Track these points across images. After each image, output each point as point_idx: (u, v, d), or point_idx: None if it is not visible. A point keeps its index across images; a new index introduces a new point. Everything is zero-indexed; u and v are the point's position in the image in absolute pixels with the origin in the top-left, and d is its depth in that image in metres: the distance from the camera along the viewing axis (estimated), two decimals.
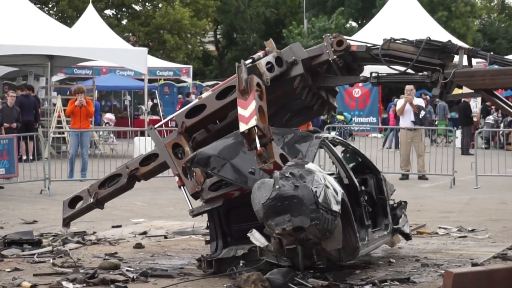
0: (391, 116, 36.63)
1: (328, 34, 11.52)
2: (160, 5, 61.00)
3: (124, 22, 62.01)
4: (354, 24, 62.35)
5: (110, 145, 30.97)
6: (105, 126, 35.70)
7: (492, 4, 76.27)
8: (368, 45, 11.49)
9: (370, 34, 38.70)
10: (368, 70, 11.88)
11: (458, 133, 33.33)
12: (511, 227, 15.06)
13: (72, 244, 12.86)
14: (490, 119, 36.40)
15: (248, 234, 9.87)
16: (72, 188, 20.72)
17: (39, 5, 49.89)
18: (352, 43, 11.47)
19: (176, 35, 55.67)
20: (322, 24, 56.39)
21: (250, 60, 10.84)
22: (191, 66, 48.43)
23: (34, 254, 11.94)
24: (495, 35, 65.32)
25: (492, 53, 11.14)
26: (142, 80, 33.47)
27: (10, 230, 13.93)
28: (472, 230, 14.51)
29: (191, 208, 10.89)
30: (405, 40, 11.39)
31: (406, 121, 24.37)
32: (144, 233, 14.07)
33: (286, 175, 9.47)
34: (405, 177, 23.36)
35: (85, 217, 15.79)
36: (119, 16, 62.70)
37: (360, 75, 11.87)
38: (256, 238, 9.77)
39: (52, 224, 15.08)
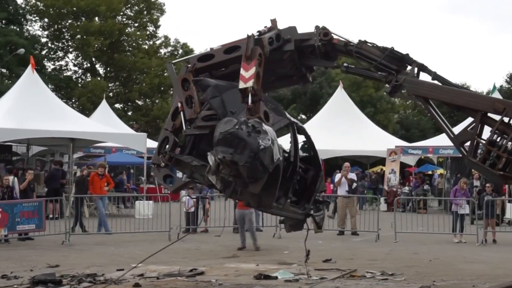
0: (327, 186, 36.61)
1: (319, 25, 11.49)
2: (157, 101, 61.32)
3: (129, 113, 62.07)
4: (304, 116, 62.96)
5: (117, 206, 30.79)
6: (114, 192, 35.49)
7: (407, 102, 77.32)
8: (346, 41, 11.50)
9: (316, 124, 39.03)
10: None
11: (382, 199, 33.40)
12: (421, 272, 15.06)
13: (85, 283, 12.71)
14: (406, 189, 36.56)
15: (208, 153, 9.85)
16: (88, 240, 20.58)
17: (65, 100, 49.94)
18: (335, 36, 11.46)
19: None
20: None
21: (257, 33, 10.91)
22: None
23: None
24: (410, 126, 66.02)
25: (436, 71, 11.11)
26: (143, 157, 33.48)
27: (38, 272, 13.76)
28: (392, 274, 14.46)
29: (184, 129, 10.88)
30: (375, 45, 11.38)
31: (342, 190, 24.43)
32: (141, 275, 13.91)
33: (248, 124, 9.47)
34: (341, 233, 23.29)
35: (96, 262, 15.79)
36: (125, 109, 62.80)
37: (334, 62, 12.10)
38: (211, 159, 9.72)
39: (70, 267, 14.87)
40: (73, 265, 15.29)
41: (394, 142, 39.87)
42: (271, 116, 10.31)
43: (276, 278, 13.74)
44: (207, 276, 13.95)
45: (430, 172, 46.40)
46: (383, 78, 11.31)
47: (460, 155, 11.02)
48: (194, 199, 23.10)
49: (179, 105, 10.95)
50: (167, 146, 11.02)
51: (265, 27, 11.37)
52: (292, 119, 11.65)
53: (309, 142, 12.35)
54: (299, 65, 11.80)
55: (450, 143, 34.79)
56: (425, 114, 71.83)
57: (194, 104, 10.78)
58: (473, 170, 32.09)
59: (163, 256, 17.06)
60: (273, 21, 11.47)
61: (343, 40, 11.51)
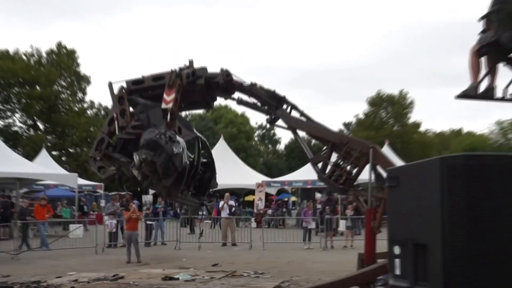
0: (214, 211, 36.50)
1: (223, 68, 11.28)
2: (85, 149, 59.64)
3: (63, 158, 59.91)
4: None
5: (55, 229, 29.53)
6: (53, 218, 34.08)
7: (269, 149, 78.59)
8: (242, 82, 11.34)
9: None
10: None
11: (252, 219, 33.61)
12: (282, 270, 15.25)
13: None
14: (269, 211, 36.81)
15: (134, 153, 9.73)
16: (32, 255, 19.65)
17: (13, 149, 47.63)
18: (234, 77, 11.27)
19: None
20: None
21: (179, 69, 10.77)
22: (102, 183, 47.04)
23: None
24: (271, 166, 66.60)
25: (303, 111, 11.21)
26: (74, 191, 32.46)
27: None
28: (262, 273, 14.59)
29: (117, 134, 10.54)
30: (262, 87, 11.27)
31: (225, 213, 24.52)
32: (76, 280, 13.46)
33: (167, 135, 9.45)
34: (224, 244, 23.20)
35: (39, 272, 15.10)
36: (60, 155, 60.62)
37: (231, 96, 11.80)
38: (136, 158, 9.61)
39: (19, 277, 14.16)
40: (21, 275, 14.56)
41: (260, 177, 40.29)
42: (183, 131, 10.46)
43: (178, 279, 13.61)
44: (126, 279, 13.64)
45: (286, 199, 47.09)
46: (265, 111, 11.49)
47: (307, 187, 11.27)
48: (115, 222, 22.67)
49: (115, 115, 10.81)
50: (103, 144, 10.87)
51: (185, 65, 11.35)
52: (198, 134, 11.67)
53: (208, 152, 12.30)
54: (206, 95, 11.81)
55: (300, 178, 35.13)
56: (281, 157, 73.32)
57: (126, 116, 10.68)
58: (316, 197, 32.93)
59: (91, 266, 16.60)
60: (191, 61, 11.43)
61: (240, 81, 11.68)
